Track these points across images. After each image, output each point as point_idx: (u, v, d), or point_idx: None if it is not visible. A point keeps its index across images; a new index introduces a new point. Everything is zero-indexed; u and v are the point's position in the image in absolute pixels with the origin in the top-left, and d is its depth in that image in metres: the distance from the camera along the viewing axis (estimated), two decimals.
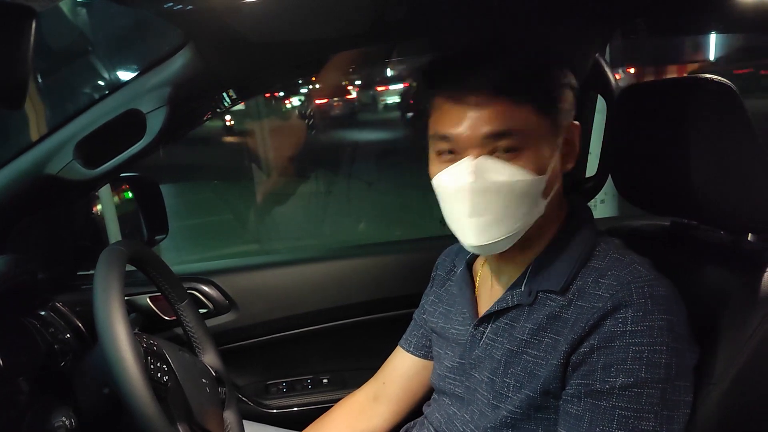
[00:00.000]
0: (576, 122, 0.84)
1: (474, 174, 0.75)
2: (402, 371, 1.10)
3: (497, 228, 0.77)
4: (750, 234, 0.92)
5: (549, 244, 0.85)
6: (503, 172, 0.75)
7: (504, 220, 0.77)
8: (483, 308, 0.90)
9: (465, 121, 0.76)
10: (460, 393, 0.92)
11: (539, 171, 0.77)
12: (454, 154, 0.79)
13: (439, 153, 0.81)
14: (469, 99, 0.76)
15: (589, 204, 0.96)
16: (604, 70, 1.30)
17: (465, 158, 0.77)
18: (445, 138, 0.79)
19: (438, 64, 0.83)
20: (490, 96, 0.75)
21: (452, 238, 0.86)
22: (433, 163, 0.82)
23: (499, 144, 0.76)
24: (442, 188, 0.80)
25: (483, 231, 0.77)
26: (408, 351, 1.10)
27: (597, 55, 1.30)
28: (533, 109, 0.76)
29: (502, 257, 0.87)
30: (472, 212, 0.76)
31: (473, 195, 0.75)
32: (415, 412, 1.10)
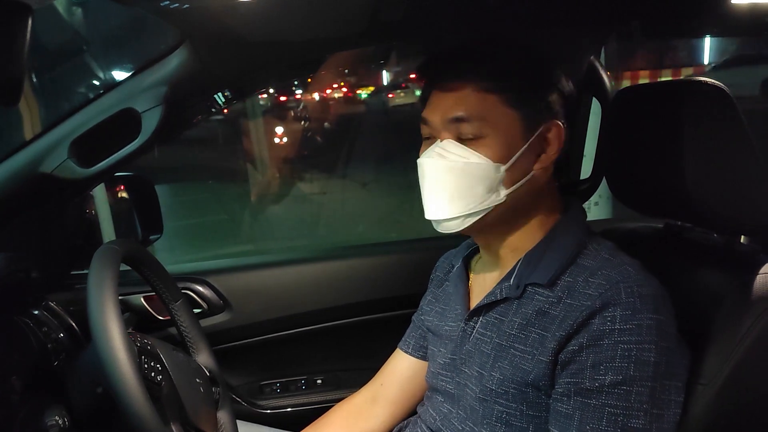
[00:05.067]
0: (559, 122, 0.84)
1: (437, 154, 0.82)
2: (400, 372, 1.10)
3: (450, 206, 0.82)
4: (743, 236, 0.93)
5: (541, 240, 0.86)
6: (460, 154, 0.81)
7: (456, 199, 0.81)
8: (475, 303, 0.91)
9: (436, 106, 0.84)
10: (450, 389, 0.93)
11: (500, 159, 0.80)
12: (431, 138, 0.86)
13: (424, 138, 0.88)
14: (442, 85, 0.84)
15: (583, 206, 0.96)
16: (599, 72, 1.31)
17: (436, 141, 0.83)
18: (423, 121, 0.86)
19: (429, 56, 0.90)
20: (458, 83, 0.82)
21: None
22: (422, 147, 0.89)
23: (462, 129, 0.81)
24: (418, 168, 0.86)
25: (439, 207, 0.83)
26: (406, 352, 1.10)
27: (592, 57, 1.31)
28: (500, 100, 0.81)
29: (495, 252, 0.90)
30: (431, 189, 0.83)
31: (432, 172, 0.82)
32: (412, 414, 1.10)
